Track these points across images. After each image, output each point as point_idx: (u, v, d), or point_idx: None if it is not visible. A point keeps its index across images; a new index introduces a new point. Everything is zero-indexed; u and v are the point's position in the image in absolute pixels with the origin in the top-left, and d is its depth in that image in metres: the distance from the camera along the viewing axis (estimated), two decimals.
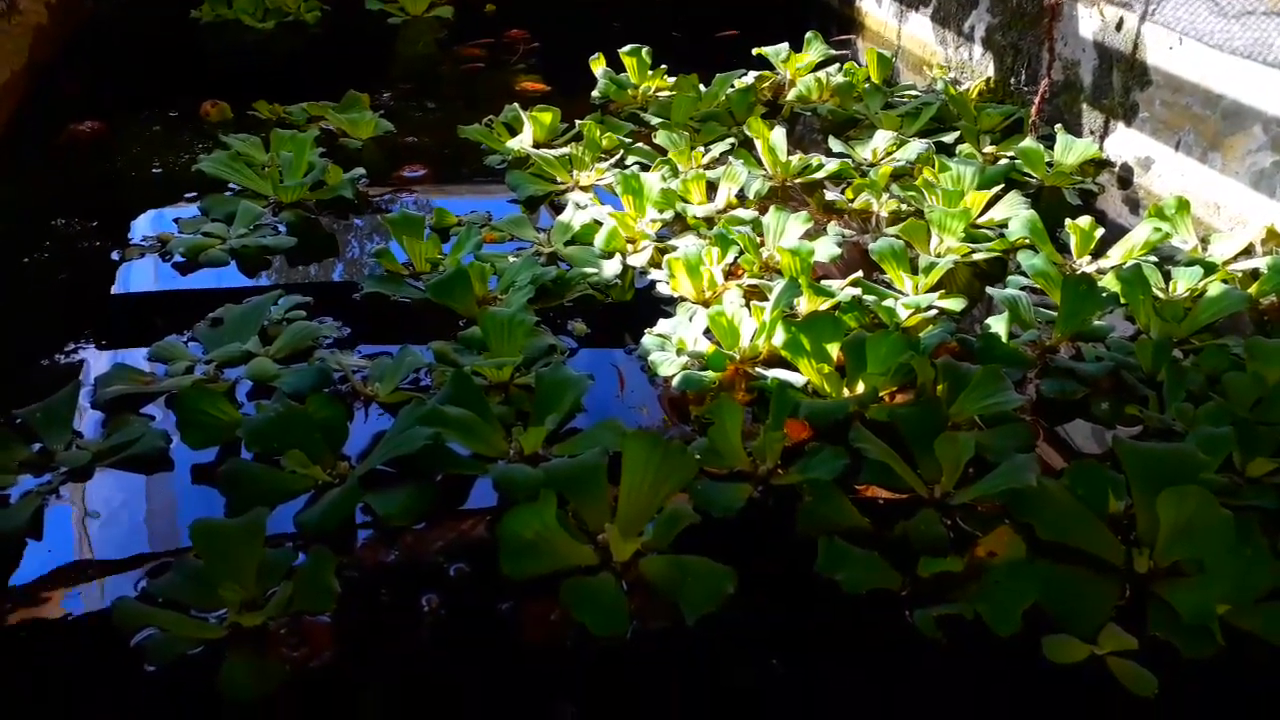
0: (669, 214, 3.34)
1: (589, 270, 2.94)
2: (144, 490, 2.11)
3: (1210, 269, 2.94)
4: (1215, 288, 2.85)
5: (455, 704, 1.64)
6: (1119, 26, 3.86)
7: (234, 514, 1.92)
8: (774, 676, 1.69)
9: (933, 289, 2.92)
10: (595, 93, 4.70)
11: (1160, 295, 2.87)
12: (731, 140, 4.03)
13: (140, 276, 2.98)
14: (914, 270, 2.98)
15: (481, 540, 1.97)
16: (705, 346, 2.55)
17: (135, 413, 2.30)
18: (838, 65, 4.90)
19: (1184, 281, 2.90)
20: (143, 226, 3.28)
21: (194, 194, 3.47)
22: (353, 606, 1.78)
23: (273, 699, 1.60)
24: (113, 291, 2.91)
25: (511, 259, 2.96)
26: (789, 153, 3.82)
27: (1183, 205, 3.26)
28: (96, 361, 2.53)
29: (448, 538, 1.99)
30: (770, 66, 4.94)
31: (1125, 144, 3.88)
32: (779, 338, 2.49)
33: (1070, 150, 3.87)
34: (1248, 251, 3.13)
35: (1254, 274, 2.99)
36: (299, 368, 2.40)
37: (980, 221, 3.38)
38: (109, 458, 2.14)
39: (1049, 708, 1.68)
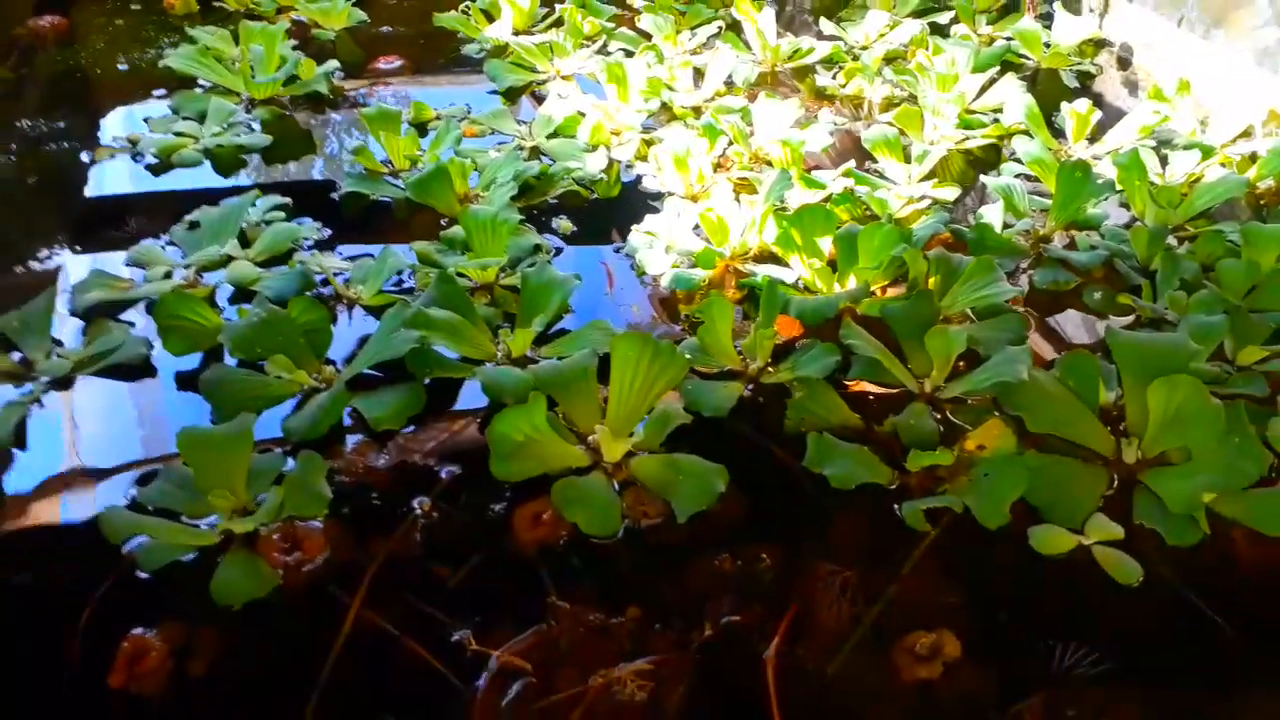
0: (655, 103, 3.24)
1: (573, 165, 2.86)
2: (128, 398, 2.08)
3: (1208, 153, 2.88)
4: (1212, 172, 2.80)
5: (449, 605, 1.65)
6: None
7: (220, 421, 1.90)
8: (764, 573, 1.71)
9: (926, 178, 2.86)
10: None
11: (1157, 181, 2.82)
12: (719, 23, 3.88)
13: (113, 178, 2.89)
14: (907, 159, 2.91)
15: (471, 441, 1.96)
16: (695, 243, 2.50)
17: (115, 319, 2.26)
18: None
19: (1181, 166, 2.85)
20: (112, 126, 3.17)
21: (163, 91, 3.34)
22: (344, 510, 1.79)
23: (266, 603, 1.62)
24: (85, 194, 2.83)
25: (493, 154, 2.88)
26: (779, 36, 3.69)
27: (1183, 86, 3.18)
28: (73, 267, 2.47)
29: (437, 440, 1.98)
30: None
31: (1125, 22, 3.75)
32: (770, 233, 2.45)
33: (1068, 30, 3.75)
34: (1247, 134, 3.06)
35: (1252, 157, 2.93)
36: (280, 271, 2.35)
37: (975, 106, 3.29)
38: (90, 366, 2.11)
39: (1037, 598, 1.71)
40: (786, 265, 2.42)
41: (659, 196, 2.81)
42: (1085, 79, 3.64)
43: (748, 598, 1.66)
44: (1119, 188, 2.73)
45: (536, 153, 2.99)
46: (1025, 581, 1.73)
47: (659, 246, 2.50)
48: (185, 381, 2.09)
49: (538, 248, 2.49)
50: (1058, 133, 3.13)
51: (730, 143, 2.94)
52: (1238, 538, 1.77)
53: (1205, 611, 1.67)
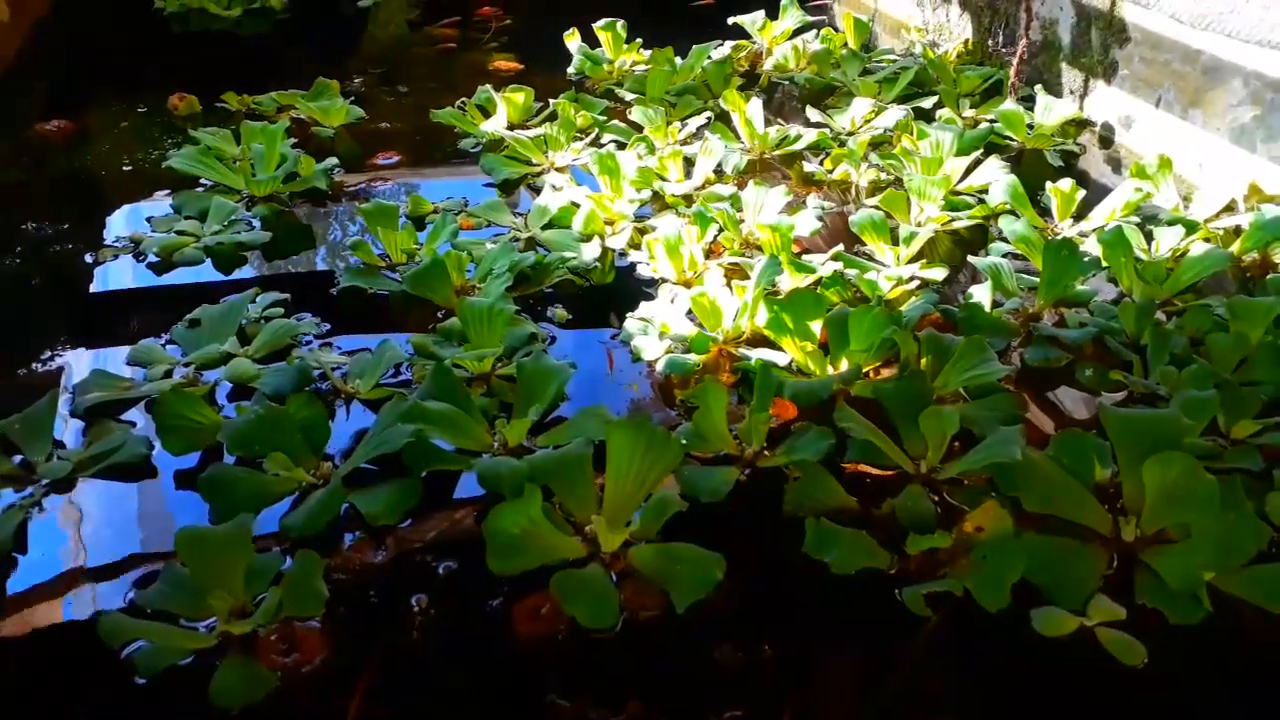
0: (647, 193, 3.32)
1: (568, 254, 2.92)
2: (128, 499, 2.09)
3: (1192, 228, 2.93)
4: (1197, 247, 2.85)
5: (449, 701, 1.64)
6: None
7: (218, 520, 1.91)
8: (765, 663, 1.69)
9: (914, 259, 2.91)
10: (570, 69, 4.65)
11: (1143, 256, 2.86)
12: (708, 114, 4.00)
13: (115, 277, 2.95)
14: (895, 241, 2.96)
15: (469, 534, 1.96)
16: (688, 328, 2.53)
17: (115, 419, 2.28)
18: (815, 31, 4.86)
19: (1166, 241, 2.90)
20: (116, 226, 3.24)
21: (166, 190, 3.43)
22: (342, 609, 1.78)
23: (264, 705, 1.60)
24: (89, 293, 2.87)
25: (489, 246, 2.93)
26: (767, 124, 3.79)
27: (1164, 164, 3.25)
28: (75, 366, 2.51)
29: (435, 533, 1.98)
30: (747, 35, 4.89)
31: (1106, 103, 3.85)
32: (761, 317, 2.48)
33: (1050, 111, 3.85)
34: (1230, 208, 3.12)
35: (1236, 231, 2.98)
36: (278, 367, 2.37)
37: (961, 188, 3.36)
38: (91, 467, 2.12)
39: (1040, 681, 1.69)
40: (779, 349, 2.45)
41: (653, 283, 2.85)
42: (1069, 158, 3.73)
43: (750, 689, 1.64)
44: (1105, 264, 2.78)
45: (532, 243, 3.05)
46: (1029, 664, 1.71)
47: (653, 332, 2.53)
48: (185, 480, 2.10)
49: (533, 336, 2.53)
50: (1043, 211, 3.19)
51: (721, 229, 3.00)
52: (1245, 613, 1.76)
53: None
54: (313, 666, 1.67)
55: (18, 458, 2.14)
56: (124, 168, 3.69)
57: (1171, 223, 2.97)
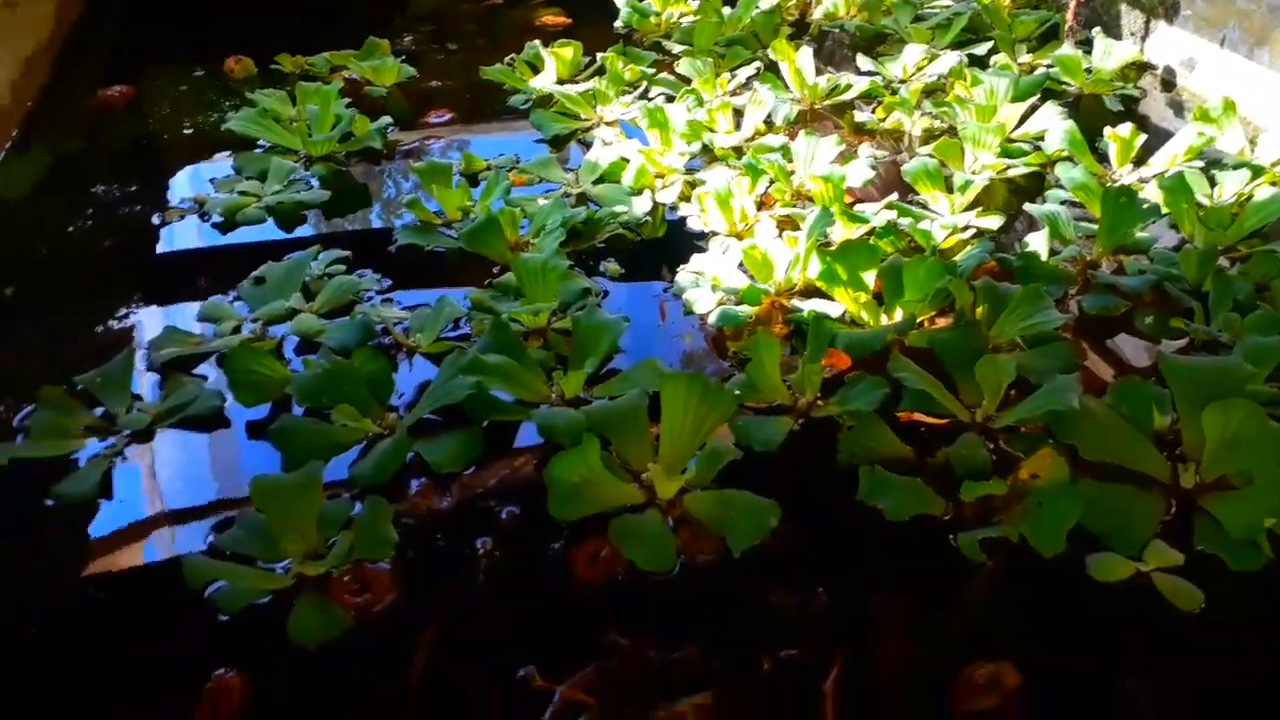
0: (696, 146, 3.31)
1: (619, 209, 2.94)
2: (203, 448, 2.18)
3: (1258, 172, 2.86)
4: (1263, 191, 2.78)
5: (513, 642, 1.70)
6: None
7: (290, 468, 1.99)
8: (820, 606, 1.73)
9: (969, 208, 2.88)
10: (618, 22, 4.62)
11: (1205, 202, 2.80)
12: (757, 64, 3.96)
13: (182, 238, 3.03)
14: (949, 189, 2.93)
15: (530, 481, 2.02)
16: (740, 281, 2.55)
17: (189, 373, 2.36)
18: None
19: (1230, 186, 2.83)
20: (180, 188, 3.32)
21: (226, 152, 3.50)
22: (410, 552, 1.85)
23: (339, 642, 1.68)
24: (156, 254, 2.97)
25: (541, 202, 2.96)
26: (817, 74, 3.75)
27: (1229, 106, 3.16)
28: (147, 324, 2.60)
29: (496, 480, 2.04)
30: None
31: (1167, 45, 3.74)
32: (814, 269, 2.48)
33: (1109, 55, 3.75)
34: None
35: None
36: (342, 322, 2.44)
37: (1016, 135, 3.30)
38: (168, 419, 2.21)
39: (1095, 626, 1.70)
40: (832, 300, 2.45)
41: (704, 236, 2.86)
42: (1129, 103, 3.64)
43: (805, 631, 1.68)
44: (1166, 210, 2.73)
45: (583, 199, 3.07)
46: (1084, 610, 1.73)
47: (705, 285, 2.55)
48: (256, 430, 2.19)
49: (587, 291, 2.56)
50: (1102, 158, 3.13)
51: (772, 181, 2.99)
52: None
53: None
54: (384, 606, 1.75)
55: (99, 410, 2.24)
56: (184, 131, 3.77)
57: (1236, 167, 2.90)
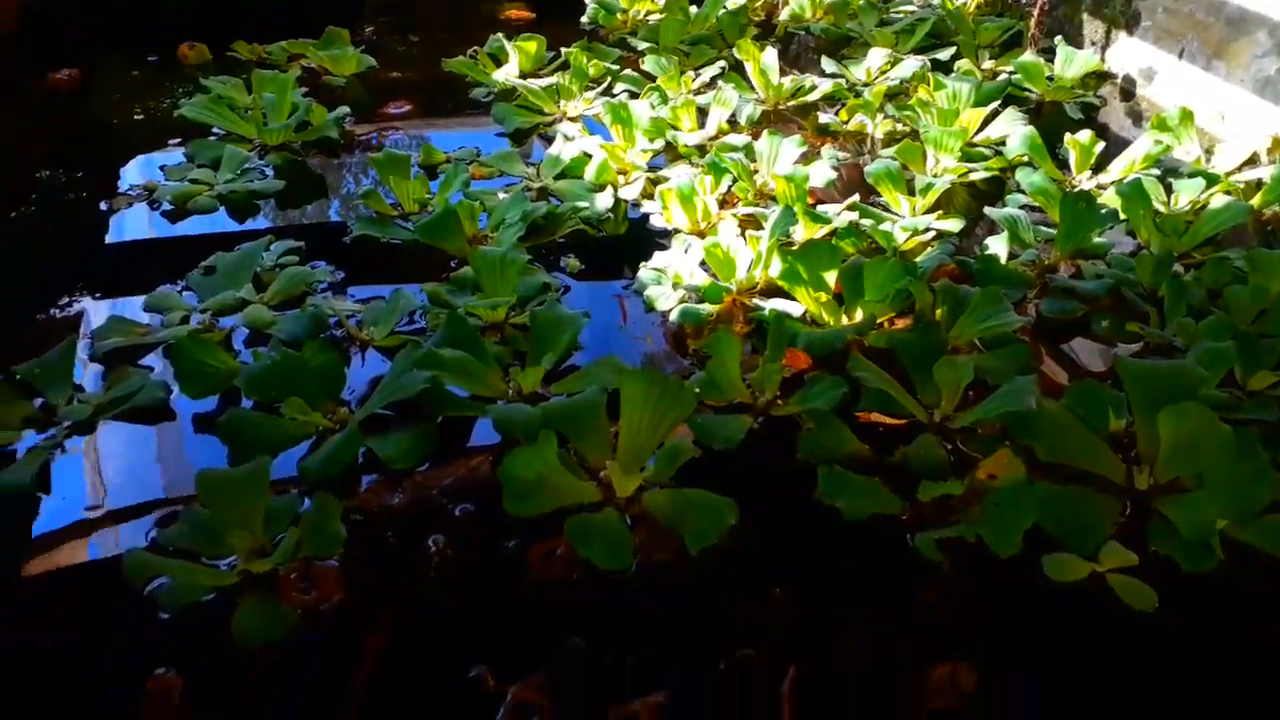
0: (659, 143, 3.29)
1: (580, 205, 2.91)
2: (147, 441, 2.11)
3: (1213, 180, 2.90)
4: (1217, 199, 2.82)
5: (465, 642, 1.66)
6: None
7: (237, 463, 1.93)
8: (776, 605, 1.71)
9: (930, 210, 2.89)
10: (584, 18, 4.60)
11: (1161, 209, 2.84)
12: (722, 64, 3.95)
13: (130, 226, 2.95)
14: (911, 192, 2.94)
15: (485, 479, 1.98)
16: (702, 279, 2.53)
17: (134, 364, 2.29)
18: None
19: (1186, 194, 2.87)
20: (130, 175, 3.24)
21: (178, 140, 3.41)
22: (360, 550, 1.80)
23: (285, 642, 1.63)
24: (104, 241, 2.88)
25: (501, 195, 2.92)
26: (781, 74, 3.74)
27: (1186, 116, 3.21)
28: (93, 313, 2.52)
29: (451, 478, 2.00)
30: None
31: (1127, 55, 3.79)
32: (776, 268, 2.47)
33: (1071, 63, 3.80)
34: (1252, 161, 3.08)
35: (1257, 184, 2.95)
36: (294, 314, 2.38)
37: (977, 140, 3.33)
38: (110, 410, 2.14)
39: (1051, 626, 1.71)
40: (793, 299, 2.44)
41: (666, 234, 2.84)
42: (1089, 111, 3.68)
43: (762, 631, 1.67)
44: (1123, 216, 2.76)
45: (544, 193, 3.04)
46: (1039, 610, 1.73)
47: (667, 282, 2.53)
48: (203, 424, 2.12)
49: (546, 286, 2.52)
50: (1061, 164, 3.16)
51: (735, 180, 2.98)
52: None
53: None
54: (332, 604, 1.70)
55: (39, 401, 2.16)
56: (135, 117, 3.68)
57: (1192, 175, 2.94)
